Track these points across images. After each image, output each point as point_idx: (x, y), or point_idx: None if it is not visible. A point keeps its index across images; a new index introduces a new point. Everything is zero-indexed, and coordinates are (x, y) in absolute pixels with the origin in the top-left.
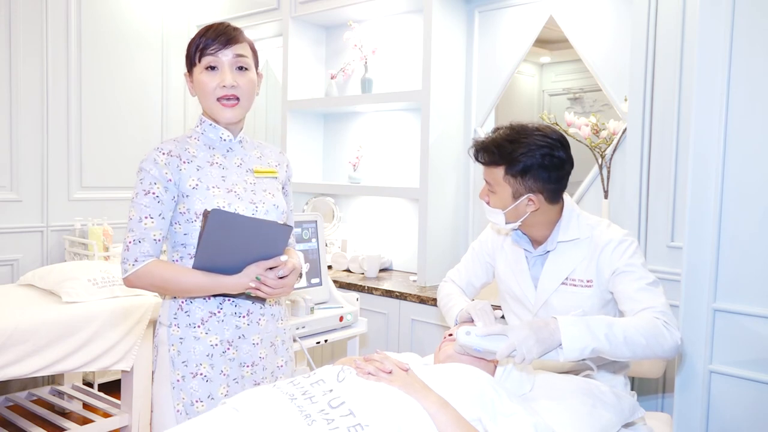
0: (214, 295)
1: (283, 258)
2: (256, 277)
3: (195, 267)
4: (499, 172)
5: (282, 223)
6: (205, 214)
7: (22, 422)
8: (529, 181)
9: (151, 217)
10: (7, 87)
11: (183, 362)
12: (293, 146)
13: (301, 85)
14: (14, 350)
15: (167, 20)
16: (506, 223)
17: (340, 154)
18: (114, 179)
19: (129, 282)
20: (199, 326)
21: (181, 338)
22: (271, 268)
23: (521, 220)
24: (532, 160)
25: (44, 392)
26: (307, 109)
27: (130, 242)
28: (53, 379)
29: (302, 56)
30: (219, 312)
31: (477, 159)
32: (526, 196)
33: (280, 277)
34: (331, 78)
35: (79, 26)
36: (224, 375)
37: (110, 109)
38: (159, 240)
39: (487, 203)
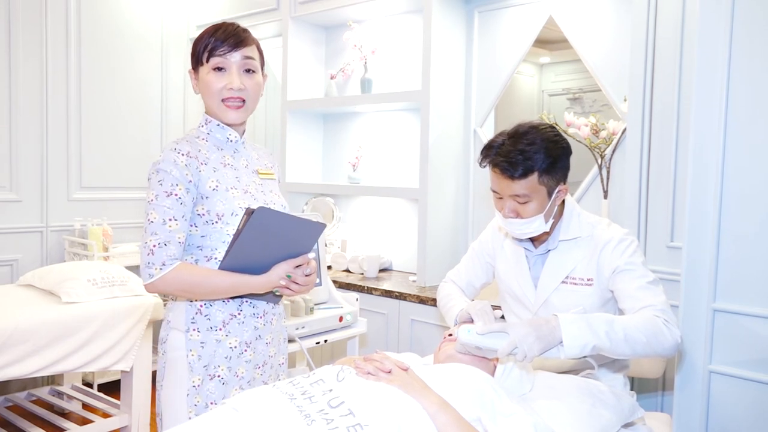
0: (232, 297)
1: (310, 255)
2: (287, 275)
3: (223, 267)
4: (533, 178)
5: (316, 220)
6: (248, 212)
7: (22, 422)
8: (558, 173)
9: (175, 219)
10: (6, 87)
11: (204, 366)
12: (293, 146)
13: (300, 85)
14: (14, 350)
15: (167, 20)
16: (546, 223)
17: (340, 154)
18: (114, 179)
19: (154, 287)
20: (220, 329)
21: (202, 342)
22: (297, 266)
23: (553, 215)
24: (555, 152)
25: (44, 392)
26: (307, 109)
27: (154, 246)
28: (53, 380)
29: (302, 56)
30: (239, 314)
31: (508, 175)
32: (557, 188)
33: (306, 275)
34: (331, 78)
35: (79, 26)
36: (238, 377)
37: (110, 109)
38: (182, 242)
39: (516, 217)
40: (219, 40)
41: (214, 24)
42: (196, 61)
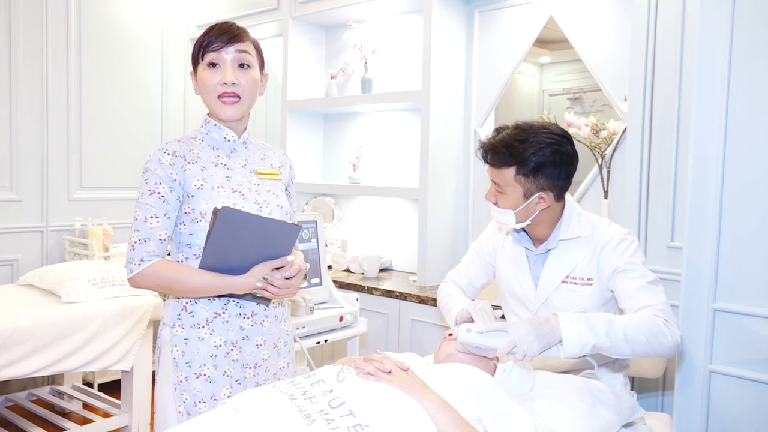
0: (219, 296)
1: (289, 258)
2: (263, 278)
3: (201, 266)
4: (510, 172)
5: (291, 222)
6: (215, 212)
7: (22, 422)
8: (541, 179)
9: (157, 217)
10: (7, 87)
11: (186, 363)
12: (293, 146)
13: (301, 85)
14: (14, 350)
15: (167, 21)
16: (516, 223)
17: (340, 154)
18: (114, 179)
19: (134, 282)
20: (203, 327)
21: (185, 339)
22: (277, 268)
23: (531, 218)
24: (543, 158)
25: (44, 392)
26: (307, 109)
27: (135, 242)
28: (53, 379)
29: (302, 56)
30: (224, 313)
31: (486, 161)
32: (537, 194)
33: (287, 278)
34: (331, 78)
35: (79, 27)
36: (227, 376)
37: (110, 109)
38: (164, 240)
39: (495, 204)
40: (213, 37)
41: (211, 24)
42: (194, 60)
